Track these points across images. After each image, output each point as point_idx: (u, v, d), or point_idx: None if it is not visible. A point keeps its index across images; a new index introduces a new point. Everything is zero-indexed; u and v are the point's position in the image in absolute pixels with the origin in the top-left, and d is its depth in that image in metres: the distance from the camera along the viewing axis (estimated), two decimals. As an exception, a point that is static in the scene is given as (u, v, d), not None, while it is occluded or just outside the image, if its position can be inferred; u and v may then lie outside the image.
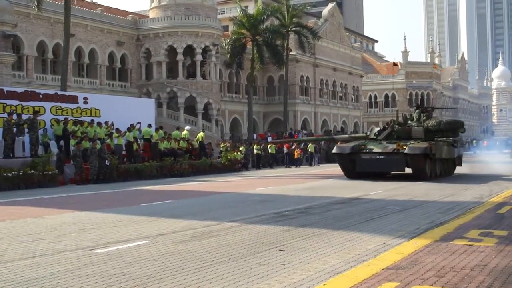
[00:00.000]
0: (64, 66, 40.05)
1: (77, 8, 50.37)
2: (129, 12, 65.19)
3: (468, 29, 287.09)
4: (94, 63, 54.45)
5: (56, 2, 48.32)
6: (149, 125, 33.51)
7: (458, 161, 30.93)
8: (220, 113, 61.38)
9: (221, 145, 39.47)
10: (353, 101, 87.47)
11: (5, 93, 27.52)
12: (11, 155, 24.52)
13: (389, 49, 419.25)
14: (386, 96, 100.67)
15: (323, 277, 6.98)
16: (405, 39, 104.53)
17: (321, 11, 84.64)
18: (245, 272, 7.31)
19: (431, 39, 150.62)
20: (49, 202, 17.69)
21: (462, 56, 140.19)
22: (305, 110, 75.07)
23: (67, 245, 9.39)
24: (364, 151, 25.88)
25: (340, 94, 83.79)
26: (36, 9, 39.99)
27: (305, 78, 74.95)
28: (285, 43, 62.78)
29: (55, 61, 50.51)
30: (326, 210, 14.27)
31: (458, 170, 30.97)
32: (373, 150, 25.69)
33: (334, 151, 28.02)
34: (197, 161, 33.77)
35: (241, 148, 38.44)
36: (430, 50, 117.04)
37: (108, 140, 28.77)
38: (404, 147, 24.92)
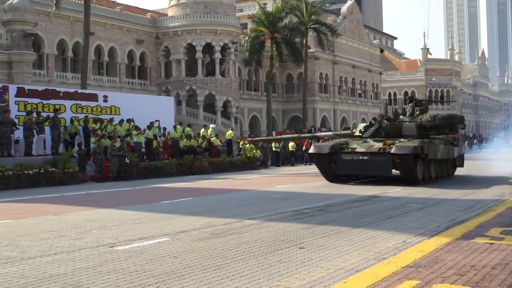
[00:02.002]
0: (84, 65, 40.28)
1: (97, 7, 50.69)
2: (148, 10, 65.51)
3: (489, 26, 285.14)
4: (114, 61, 54.77)
5: (76, 1, 48.62)
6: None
7: (459, 162, 27.05)
8: (239, 111, 61.49)
9: (241, 143, 39.49)
10: (372, 98, 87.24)
11: (26, 91, 27.74)
12: (31, 153, 24.73)
13: (408, 46, 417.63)
14: (406, 93, 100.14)
15: (343, 275, 6.98)
16: (424, 36, 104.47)
17: (340, 8, 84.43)
18: (265, 270, 7.32)
19: (451, 35, 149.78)
20: (70, 199, 17.82)
21: (483, 53, 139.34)
22: (324, 107, 74.96)
23: (88, 242, 9.45)
24: (346, 150, 22.34)
25: (359, 92, 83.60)
26: (54, 8, 40.26)
27: (324, 75, 74.84)
28: (304, 41, 62.69)
29: (75, 59, 50.89)
30: (345, 207, 14.24)
31: (461, 171, 27.37)
32: (356, 150, 22.10)
33: (310, 150, 24.61)
34: (217, 158, 33.83)
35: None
36: (450, 47, 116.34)
37: (128, 138, 28.91)
38: (392, 146, 21.24)
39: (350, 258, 7.95)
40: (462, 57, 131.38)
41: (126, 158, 26.72)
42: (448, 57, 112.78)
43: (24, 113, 25.85)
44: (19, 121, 25.45)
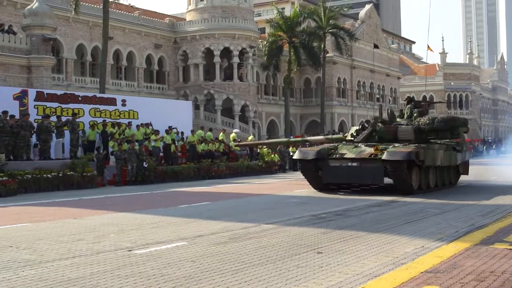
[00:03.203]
0: (102, 69, 40.46)
1: (115, 12, 50.88)
2: (167, 15, 65.69)
3: (508, 30, 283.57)
4: (132, 66, 55.01)
5: (95, 6, 48.90)
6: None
7: (463, 169, 24.59)
8: (257, 115, 61.51)
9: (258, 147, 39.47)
10: (391, 103, 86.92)
11: (45, 95, 27.89)
12: (49, 157, 24.89)
13: (426, 50, 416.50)
14: (424, 98, 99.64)
15: (361, 280, 6.96)
16: (443, 40, 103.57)
17: (358, 13, 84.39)
18: (283, 274, 7.31)
19: (469, 40, 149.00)
20: (88, 203, 17.88)
21: (502, 57, 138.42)
22: (342, 112, 74.85)
23: (106, 246, 9.50)
24: (333, 156, 20.14)
25: (378, 96, 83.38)
26: (73, 13, 40.48)
27: (342, 80, 74.76)
28: (322, 45, 62.57)
29: (94, 63, 51.17)
30: (363, 212, 14.20)
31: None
32: (345, 156, 19.89)
33: (295, 156, 22.58)
34: (235, 163, 33.84)
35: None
36: (469, 51, 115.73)
37: (146, 142, 29.00)
38: (384, 151, 19.09)
39: (368, 263, 7.92)
40: (481, 61, 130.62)
41: (145, 162, 26.79)
42: (467, 62, 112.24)
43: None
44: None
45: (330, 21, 63.15)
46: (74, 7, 39.63)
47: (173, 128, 31.73)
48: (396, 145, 20.08)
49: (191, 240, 10.03)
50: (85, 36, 49.97)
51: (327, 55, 65.56)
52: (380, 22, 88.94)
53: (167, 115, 32.51)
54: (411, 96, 26.78)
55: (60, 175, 23.32)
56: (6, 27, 36.55)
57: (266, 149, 37.33)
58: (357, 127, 22.97)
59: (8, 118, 23.38)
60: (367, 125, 22.26)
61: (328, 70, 68.13)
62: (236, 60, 57.39)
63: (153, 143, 29.35)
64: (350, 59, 74.37)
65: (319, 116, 65.43)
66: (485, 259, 7.97)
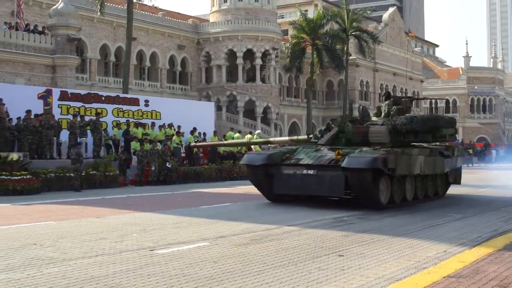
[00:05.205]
0: (126, 69, 40.59)
1: (139, 12, 51.14)
2: (190, 16, 65.99)
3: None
4: (155, 66, 55.27)
5: (119, 7, 49.20)
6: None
7: (454, 178, 20.88)
8: (279, 117, 61.57)
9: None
10: (413, 106, 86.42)
11: (69, 95, 28.11)
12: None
13: (450, 54, 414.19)
14: (447, 102, 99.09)
15: (382, 283, 6.95)
16: (467, 43, 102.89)
17: (381, 16, 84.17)
18: (304, 276, 7.32)
19: (494, 43, 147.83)
20: (110, 202, 17.99)
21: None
22: (364, 115, 74.51)
23: (128, 245, 9.56)
24: (287, 162, 16.79)
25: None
26: (98, 13, 40.72)
27: (364, 82, 74.56)
28: (345, 48, 62.36)
29: (117, 64, 51.46)
30: (385, 216, 14.16)
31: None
32: (300, 162, 16.49)
33: (242, 161, 18.93)
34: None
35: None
36: (493, 55, 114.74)
37: (168, 143, 29.12)
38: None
39: (390, 267, 7.91)
40: (505, 65, 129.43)
41: (168, 163, 26.88)
42: (491, 65, 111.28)
43: (66, 117, 26.17)
44: (62, 124, 25.84)
45: (353, 23, 62.87)
46: (99, 7, 39.85)
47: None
48: (365, 149, 16.49)
49: (213, 240, 10.07)
50: (109, 36, 50.30)
51: (350, 57, 65.32)
52: (403, 25, 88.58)
53: (190, 116, 32.60)
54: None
55: (83, 174, 23.50)
56: (31, 27, 36.92)
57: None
58: (322, 128, 19.48)
59: (32, 117, 23.64)
60: (333, 126, 18.65)
61: (350, 72, 67.98)
62: (258, 61, 57.49)
63: (175, 144, 29.45)
64: (373, 62, 74.11)
65: (341, 119, 65.15)
66: (508, 265, 7.93)
